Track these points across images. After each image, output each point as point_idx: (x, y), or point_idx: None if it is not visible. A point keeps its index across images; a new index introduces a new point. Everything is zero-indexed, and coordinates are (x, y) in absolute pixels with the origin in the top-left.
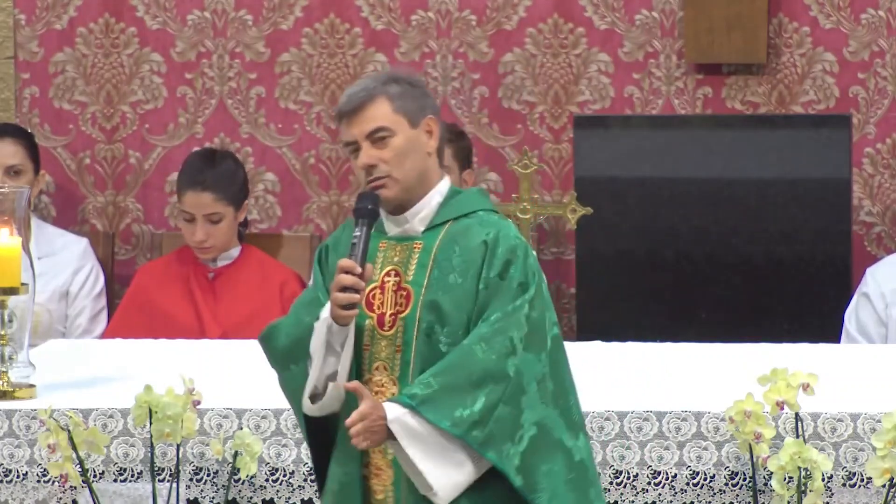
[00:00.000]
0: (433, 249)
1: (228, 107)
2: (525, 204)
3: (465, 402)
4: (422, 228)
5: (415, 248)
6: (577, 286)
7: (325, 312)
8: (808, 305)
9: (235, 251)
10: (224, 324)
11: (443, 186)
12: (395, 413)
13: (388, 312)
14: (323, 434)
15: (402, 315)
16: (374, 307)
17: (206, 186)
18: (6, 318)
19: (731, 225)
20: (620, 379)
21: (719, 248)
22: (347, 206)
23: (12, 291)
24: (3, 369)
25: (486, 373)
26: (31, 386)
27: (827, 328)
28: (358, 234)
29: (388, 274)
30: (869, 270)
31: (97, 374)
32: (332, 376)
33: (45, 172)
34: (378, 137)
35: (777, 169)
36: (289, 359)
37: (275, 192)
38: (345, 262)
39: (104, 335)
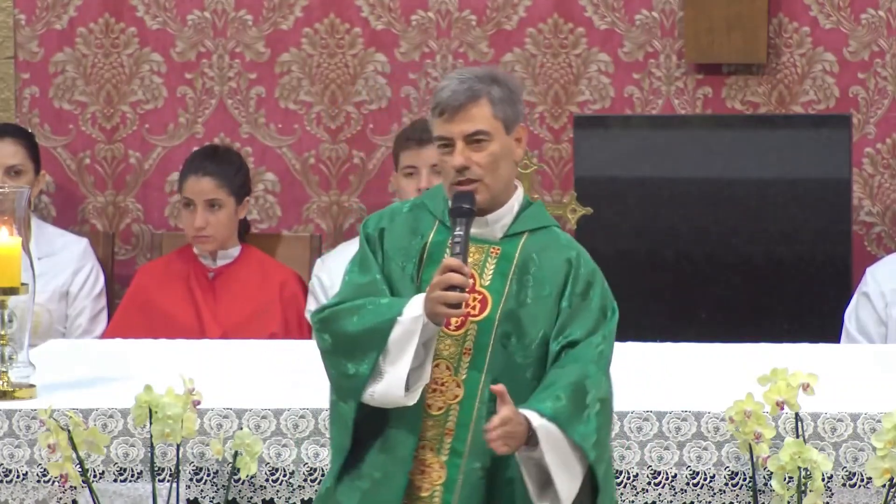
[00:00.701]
0: (514, 259)
1: (228, 107)
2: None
3: (585, 419)
4: (500, 235)
5: (492, 252)
6: None
7: (416, 310)
8: (808, 305)
9: (235, 251)
10: (224, 323)
11: (520, 195)
12: (539, 421)
13: None
14: (357, 424)
15: (476, 319)
16: None
17: (207, 172)
18: (6, 318)
19: (731, 225)
20: (620, 379)
21: (719, 248)
22: (347, 206)
23: (12, 291)
24: (3, 369)
25: (596, 393)
26: (31, 386)
27: (827, 328)
28: (460, 232)
29: None
30: (869, 270)
31: (97, 374)
32: (414, 372)
33: (46, 172)
34: (476, 140)
35: (777, 169)
36: (359, 346)
37: (275, 192)
38: (453, 261)
39: (104, 335)
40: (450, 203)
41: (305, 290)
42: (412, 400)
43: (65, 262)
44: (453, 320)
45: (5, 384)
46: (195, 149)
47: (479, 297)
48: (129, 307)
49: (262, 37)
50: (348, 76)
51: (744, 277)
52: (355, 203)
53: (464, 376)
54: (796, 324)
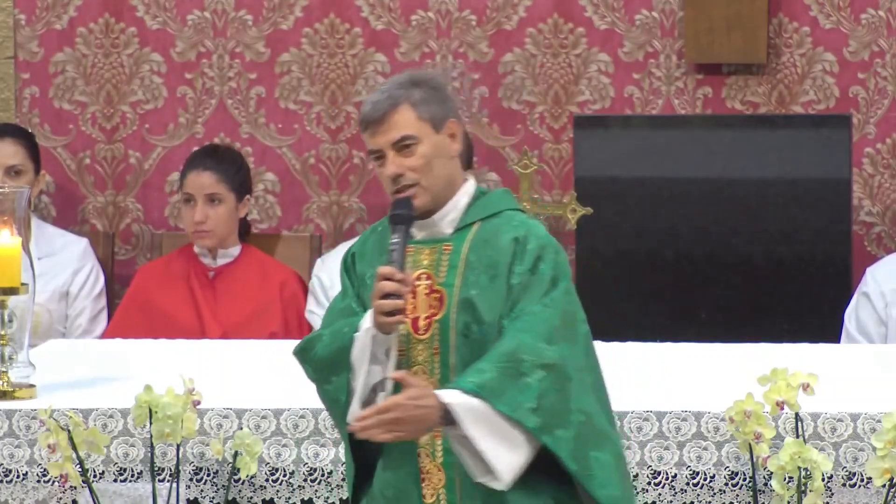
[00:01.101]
0: (463, 250)
1: (228, 107)
2: (525, 204)
3: (520, 387)
4: (450, 231)
5: (444, 250)
6: (577, 286)
7: (367, 322)
8: (808, 305)
9: (235, 250)
10: (224, 323)
11: (469, 187)
12: (454, 397)
13: (423, 316)
14: (360, 445)
15: (437, 318)
16: (408, 312)
17: (208, 167)
18: (6, 318)
19: (731, 225)
20: (620, 379)
21: (719, 248)
22: (347, 206)
23: (12, 291)
24: (3, 369)
25: (536, 360)
26: (31, 386)
27: (827, 328)
28: (396, 240)
29: (418, 277)
30: (869, 270)
31: (97, 374)
32: (379, 385)
33: (46, 172)
34: (404, 146)
35: (777, 169)
36: (329, 370)
37: (275, 192)
38: (385, 269)
39: (104, 335)
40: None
41: (306, 289)
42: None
43: (65, 262)
44: (420, 324)
45: (5, 384)
46: (195, 148)
47: (437, 296)
48: (129, 307)
49: (262, 37)
50: (348, 76)
51: (744, 277)
52: (355, 203)
53: (437, 375)
54: (796, 324)
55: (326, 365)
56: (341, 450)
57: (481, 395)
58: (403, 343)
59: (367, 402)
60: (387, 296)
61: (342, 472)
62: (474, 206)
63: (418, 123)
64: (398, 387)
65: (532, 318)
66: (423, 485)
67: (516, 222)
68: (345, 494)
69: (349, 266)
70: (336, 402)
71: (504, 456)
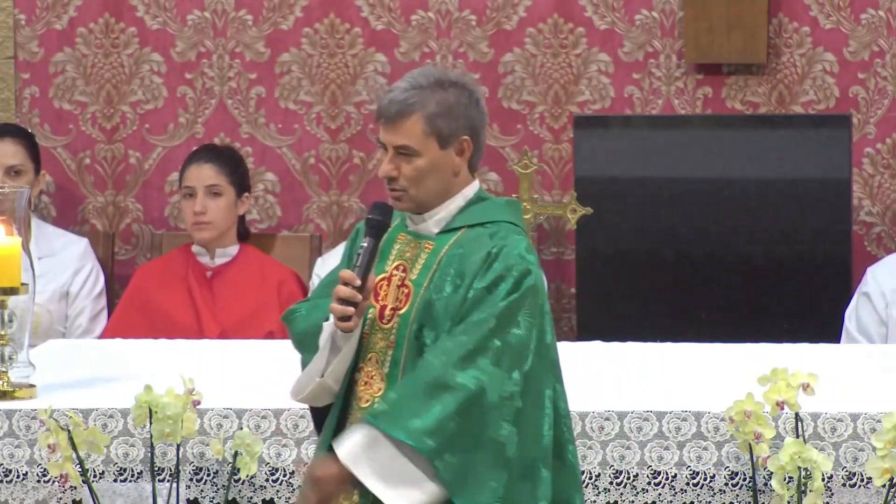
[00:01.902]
0: (440, 253)
1: (228, 107)
2: (525, 204)
3: (419, 412)
4: (436, 231)
5: (426, 247)
6: (577, 286)
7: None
8: (808, 305)
9: (234, 249)
10: (223, 323)
11: (469, 191)
12: (346, 447)
13: (389, 306)
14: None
15: (401, 312)
16: (379, 298)
17: (207, 160)
18: (6, 318)
19: (731, 225)
20: (620, 379)
21: (719, 248)
22: (347, 206)
23: (12, 291)
24: (3, 369)
25: (440, 383)
26: (31, 386)
27: (827, 328)
28: (365, 245)
29: (396, 268)
30: (869, 270)
31: (97, 374)
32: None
33: (46, 172)
34: (403, 153)
35: (777, 169)
36: (303, 346)
37: (275, 192)
38: (345, 273)
39: (103, 335)
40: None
41: (304, 289)
42: (311, 401)
43: (65, 262)
44: (386, 314)
45: (5, 384)
46: (195, 148)
47: (406, 291)
48: (128, 307)
49: (262, 37)
50: (348, 76)
51: (744, 277)
52: (355, 203)
53: (386, 370)
54: (796, 324)
55: (301, 340)
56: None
57: (376, 423)
58: (368, 327)
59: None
60: (341, 301)
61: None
62: (466, 211)
63: (423, 137)
64: (350, 379)
65: (453, 341)
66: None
67: (499, 236)
68: None
69: (353, 240)
70: (306, 373)
71: (400, 494)
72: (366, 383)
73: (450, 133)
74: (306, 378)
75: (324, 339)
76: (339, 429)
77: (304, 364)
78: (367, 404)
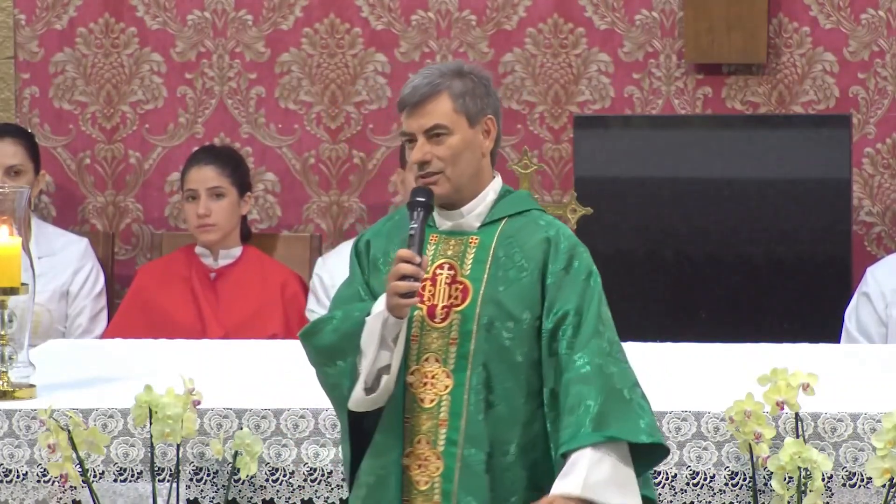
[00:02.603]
0: (491, 246)
1: (228, 107)
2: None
3: (636, 413)
4: (477, 224)
5: (471, 243)
6: None
7: (379, 306)
8: (808, 305)
9: (237, 251)
10: (226, 324)
11: (496, 184)
12: (576, 480)
13: (441, 305)
14: (357, 431)
15: (459, 308)
16: (425, 298)
17: (209, 162)
18: (6, 318)
19: (731, 225)
20: None
21: (719, 248)
22: (347, 206)
23: (12, 291)
24: (3, 369)
25: (627, 380)
26: (31, 386)
27: (827, 328)
28: (415, 225)
29: (440, 267)
30: (869, 270)
31: (97, 374)
32: (385, 369)
33: (45, 172)
34: (435, 134)
35: (777, 169)
36: (336, 354)
37: (275, 192)
38: (404, 252)
39: (105, 335)
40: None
41: (306, 290)
42: (379, 401)
43: (65, 261)
44: (438, 312)
45: (5, 384)
46: (195, 148)
47: (461, 287)
48: (129, 307)
49: (262, 37)
50: (348, 76)
51: (744, 277)
52: (355, 203)
53: (452, 366)
54: (796, 324)
55: (334, 348)
56: (341, 450)
57: (607, 433)
58: (417, 329)
59: (371, 388)
60: (403, 278)
61: (342, 472)
62: (501, 202)
63: (454, 115)
64: (403, 372)
65: (599, 359)
66: (419, 472)
67: (543, 221)
68: (345, 494)
69: (361, 252)
70: (338, 385)
71: (634, 493)
72: (425, 384)
73: (476, 111)
74: (367, 379)
75: (371, 334)
76: (405, 430)
77: (335, 374)
78: (431, 404)
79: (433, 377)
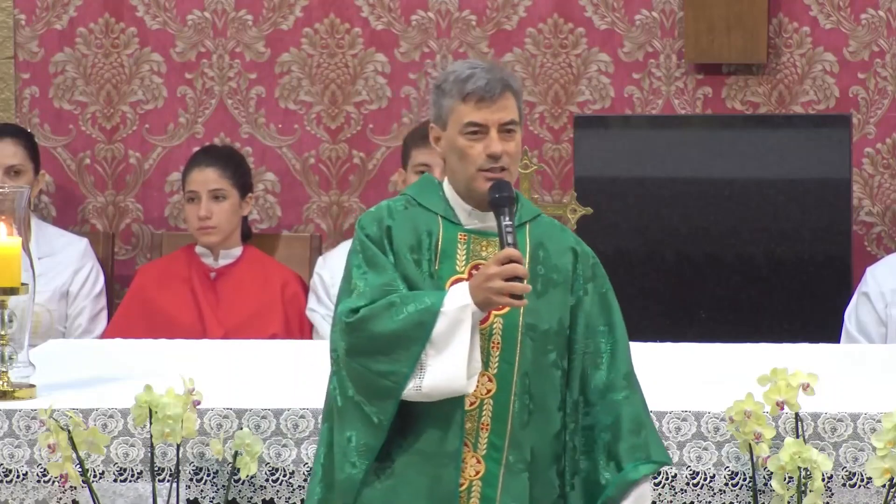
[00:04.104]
0: (526, 249)
1: (228, 107)
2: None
3: (654, 433)
4: None
5: None
6: None
7: (462, 299)
8: (808, 305)
9: (237, 251)
10: (226, 324)
11: None
12: None
13: None
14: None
15: (500, 313)
16: None
17: (210, 164)
18: (6, 318)
19: (731, 225)
20: None
21: (719, 248)
22: (347, 206)
23: (12, 291)
24: (3, 369)
25: (644, 400)
26: (31, 386)
27: (827, 328)
28: (509, 222)
29: (475, 267)
30: (869, 270)
31: (97, 374)
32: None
33: (45, 172)
34: (508, 129)
35: (777, 169)
36: (400, 342)
37: (275, 192)
38: (514, 252)
39: (105, 335)
40: (469, 196)
41: (306, 290)
42: (472, 387)
43: (65, 261)
44: None
45: (5, 384)
46: (195, 149)
47: None
48: (129, 307)
49: (262, 37)
50: (348, 76)
51: (744, 277)
52: (355, 203)
53: (495, 370)
54: (796, 324)
55: (398, 335)
56: (359, 440)
57: (661, 461)
58: None
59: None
60: (513, 278)
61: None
62: (520, 206)
63: (518, 114)
64: (487, 363)
65: (617, 357)
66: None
67: (559, 227)
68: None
69: (380, 239)
70: (391, 374)
71: None
72: None
73: (522, 113)
74: (459, 369)
75: (447, 327)
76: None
77: (390, 362)
78: (472, 406)
79: None
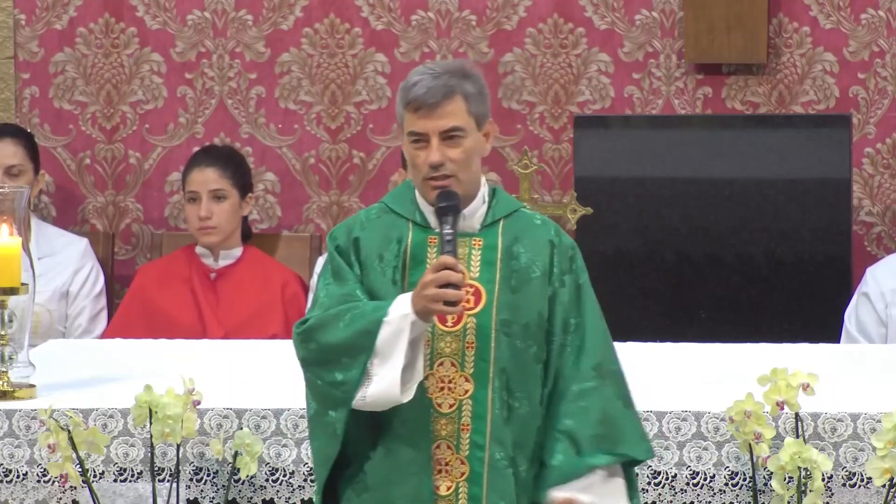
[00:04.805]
0: (497, 247)
1: (228, 107)
2: (525, 204)
3: (631, 425)
4: (478, 226)
5: (475, 244)
6: None
7: (403, 308)
8: (808, 305)
9: (237, 251)
10: (226, 324)
11: (485, 185)
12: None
13: None
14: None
15: (473, 311)
16: None
17: (210, 164)
18: (6, 318)
19: (731, 225)
20: None
21: (719, 248)
22: (347, 206)
23: (12, 291)
24: (3, 369)
25: (623, 390)
26: (31, 386)
27: (827, 328)
28: (450, 230)
29: None
30: (869, 270)
31: (97, 374)
32: (405, 371)
33: (45, 172)
34: (450, 136)
35: (777, 169)
36: (347, 351)
37: (275, 192)
38: (448, 259)
39: (105, 335)
40: (426, 202)
41: (306, 290)
42: (407, 397)
43: (65, 261)
44: (449, 317)
45: (5, 384)
46: (196, 149)
47: (472, 290)
48: (129, 307)
49: (262, 37)
50: (348, 76)
51: (744, 277)
52: (355, 203)
53: (471, 370)
54: (796, 324)
55: (346, 344)
56: (314, 450)
57: (629, 453)
58: (428, 333)
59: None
60: (447, 285)
61: (311, 470)
62: (493, 203)
63: (468, 118)
64: (463, 364)
65: (586, 341)
66: (438, 477)
67: (539, 220)
68: None
69: (348, 248)
70: (342, 383)
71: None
72: (442, 388)
73: (482, 114)
74: (395, 379)
75: (399, 336)
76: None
77: (339, 371)
78: (451, 409)
79: (450, 381)
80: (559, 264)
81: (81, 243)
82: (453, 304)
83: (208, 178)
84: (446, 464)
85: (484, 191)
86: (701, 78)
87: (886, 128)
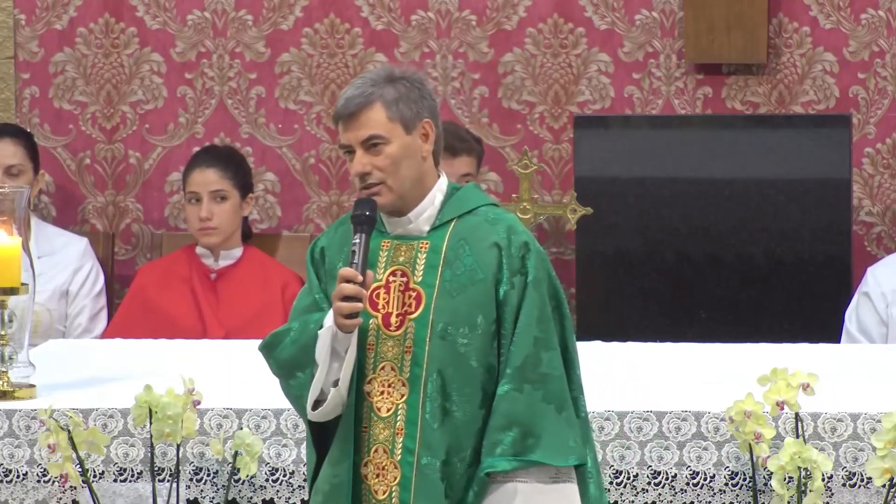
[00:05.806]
0: (442, 250)
1: (228, 107)
2: (525, 204)
3: (566, 432)
4: (427, 228)
5: (421, 248)
6: (577, 286)
7: (329, 320)
8: (808, 305)
9: (238, 251)
10: (227, 324)
11: (442, 184)
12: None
13: (395, 312)
14: (322, 439)
15: (413, 316)
16: (379, 307)
17: (211, 164)
18: (6, 318)
19: (731, 225)
20: (620, 379)
21: (719, 248)
22: (347, 206)
23: (12, 291)
24: (3, 369)
25: (556, 395)
26: (31, 386)
27: (827, 328)
28: (357, 241)
29: (393, 274)
30: (869, 270)
31: (97, 374)
32: (337, 382)
33: (45, 172)
34: (372, 144)
35: (777, 169)
36: (295, 366)
37: (275, 192)
38: (346, 271)
39: (105, 335)
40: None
41: None
42: (332, 413)
43: (65, 261)
44: (392, 321)
45: (5, 384)
46: (196, 149)
47: (414, 294)
48: (129, 307)
49: (262, 37)
50: (348, 76)
51: (744, 277)
52: None
53: (407, 375)
54: (796, 324)
55: (293, 360)
56: (306, 455)
57: (546, 461)
58: (373, 338)
59: (319, 400)
60: (346, 298)
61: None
62: (449, 203)
63: (388, 124)
64: (361, 381)
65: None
66: (377, 481)
67: (495, 221)
68: None
69: (317, 260)
70: (300, 397)
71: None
72: (382, 393)
73: (411, 116)
74: (317, 393)
75: (323, 348)
76: (357, 441)
77: (296, 386)
78: (388, 413)
79: (390, 386)
80: (508, 266)
81: (81, 243)
82: (352, 316)
83: (209, 178)
84: (383, 468)
85: (439, 191)
86: (701, 78)
87: (886, 128)
